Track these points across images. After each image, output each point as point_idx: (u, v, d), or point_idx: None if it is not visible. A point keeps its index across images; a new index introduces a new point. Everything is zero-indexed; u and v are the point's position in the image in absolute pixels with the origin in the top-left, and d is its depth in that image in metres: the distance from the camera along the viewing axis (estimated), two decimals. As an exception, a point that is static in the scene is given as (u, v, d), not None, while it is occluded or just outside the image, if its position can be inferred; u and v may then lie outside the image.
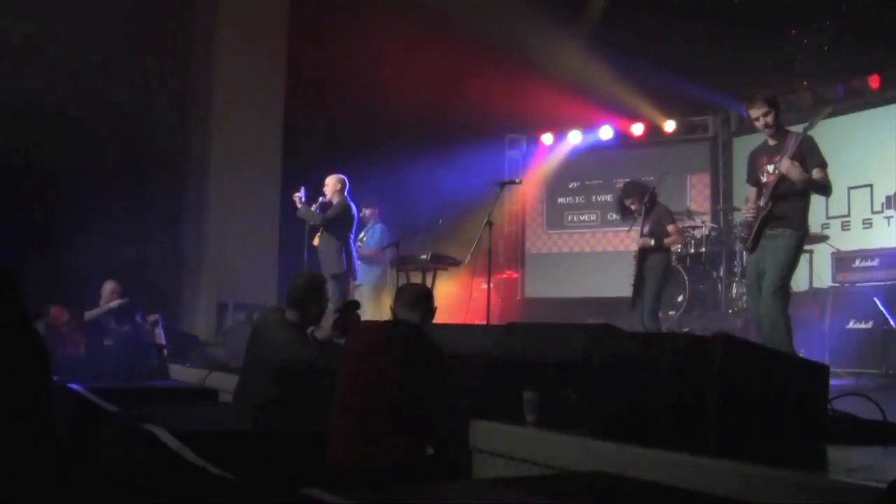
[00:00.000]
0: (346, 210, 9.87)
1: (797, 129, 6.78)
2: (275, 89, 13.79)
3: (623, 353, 4.18)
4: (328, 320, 6.17)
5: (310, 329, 5.88)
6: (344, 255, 9.79)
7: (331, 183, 10.01)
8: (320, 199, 9.94)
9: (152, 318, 9.54)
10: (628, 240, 9.08)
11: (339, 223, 9.84)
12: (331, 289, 9.66)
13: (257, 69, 13.55)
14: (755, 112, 6.73)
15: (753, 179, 6.91)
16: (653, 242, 8.60)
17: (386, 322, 4.96)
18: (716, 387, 3.52)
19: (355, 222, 10.06)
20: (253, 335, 5.91)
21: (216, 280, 12.85)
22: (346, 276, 9.80)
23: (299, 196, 9.92)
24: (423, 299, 5.06)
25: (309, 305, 5.76)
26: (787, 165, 6.48)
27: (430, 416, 4.50)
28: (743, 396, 3.57)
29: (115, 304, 9.88)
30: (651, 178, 9.39)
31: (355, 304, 6.12)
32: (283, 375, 5.54)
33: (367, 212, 10.87)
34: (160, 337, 9.35)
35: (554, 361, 4.62)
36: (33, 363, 2.27)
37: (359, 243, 10.57)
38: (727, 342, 3.64)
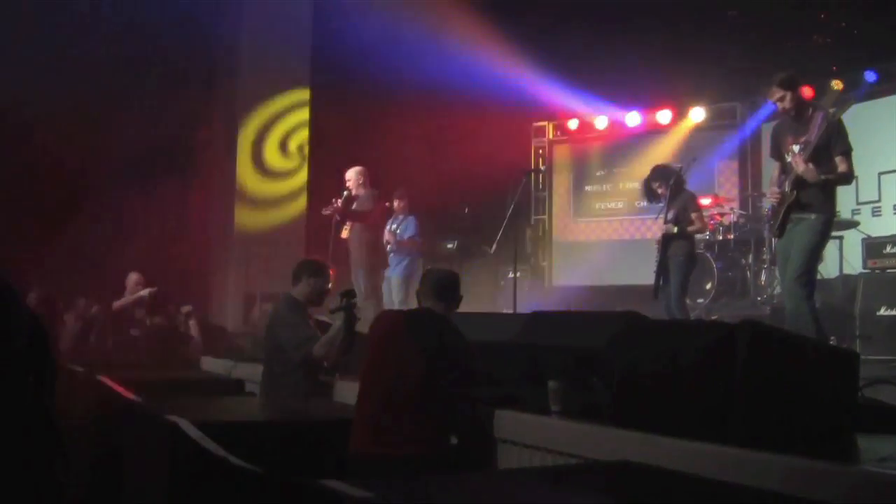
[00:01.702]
0: (375, 201, 9.85)
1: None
2: (300, 82, 13.77)
3: (649, 342, 4.12)
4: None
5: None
6: (375, 247, 9.80)
7: (353, 176, 9.97)
8: (344, 192, 9.90)
9: (185, 308, 9.54)
10: (656, 227, 8.99)
11: (369, 214, 9.85)
12: (362, 280, 9.70)
13: (282, 57, 13.53)
14: (772, 97, 6.65)
15: (777, 155, 6.82)
16: (675, 229, 8.52)
17: (409, 311, 4.92)
18: (742, 375, 3.46)
19: (382, 212, 10.05)
20: (268, 325, 6.42)
21: (244, 271, 12.86)
22: (377, 267, 9.77)
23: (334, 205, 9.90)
24: (448, 286, 4.97)
25: (303, 279, 6.31)
26: (802, 168, 6.38)
27: (454, 405, 4.46)
28: (770, 385, 3.50)
29: (144, 292, 9.90)
30: (679, 165, 9.28)
31: (351, 294, 6.16)
32: (301, 361, 5.97)
33: (397, 203, 10.82)
34: (194, 328, 9.35)
35: (579, 350, 4.58)
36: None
37: (391, 234, 10.56)
38: (754, 330, 3.57)
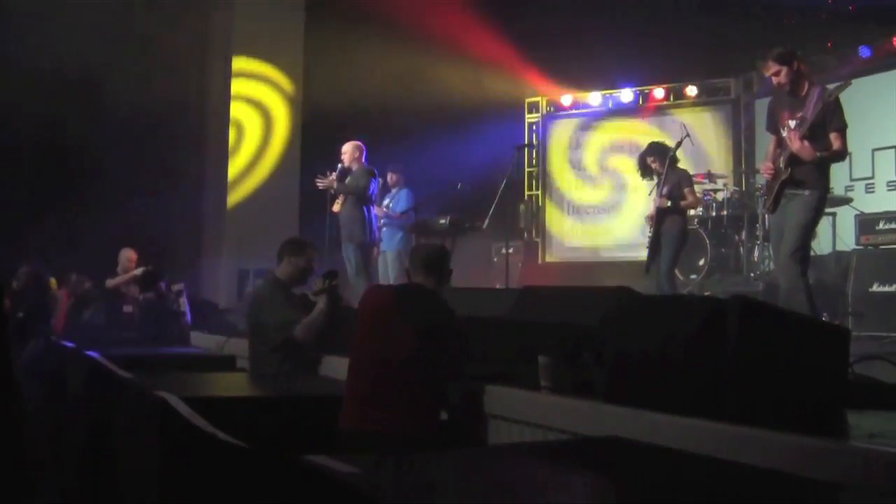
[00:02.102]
0: (369, 176, 9.83)
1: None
2: (294, 58, 13.71)
3: (640, 317, 4.11)
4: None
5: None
6: (366, 222, 9.76)
7: (349, 150, 9.95)
8: (339, 165, 9.89)
9: (177, 286, 9.51)
10: (650, 203, 9.00)
11: (367, 191, 9.83)
12: (353, 254, 9.69)
13: (276, 39, 13.47)
14: (768, 72, 6.63)
15: (773, 129, 6.79)
16: (669, 203, 8.53)
17: (398, 286, 4.91)
18: (733, 351, 3.44)
19: (375, 188, 10.02)
20: (250, 304, 6.52)
21: (237, 247, 12.84)
22: (369, 242, 9.76)
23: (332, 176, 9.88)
24: (438, 261, 4.92)
25: (285, 258, 6.35)
26: (798, 146, 6.36)
27: (444, 381, 4.45)
28: (761, 361, 3.49)
29: (138, 271, 9.87)
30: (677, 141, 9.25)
31: (333, 274, 6.18)
32: (282, 343, 5.99)
33: (392, 177, 10.80)
34: (184, 306, 9.33)
35: (570, 325, 4.56)
36: None
37: (384, 209, 10.54)
38: (744, 306, 3.56)
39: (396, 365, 4.31)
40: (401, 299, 4.60)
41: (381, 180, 10.24)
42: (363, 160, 9.95)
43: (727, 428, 3.24)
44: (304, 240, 6.76)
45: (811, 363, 3.63)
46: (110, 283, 9.98)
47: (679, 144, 8.99)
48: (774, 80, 6.58)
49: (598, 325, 4.21)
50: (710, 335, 3.53)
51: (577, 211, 15.08)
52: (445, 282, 4.98)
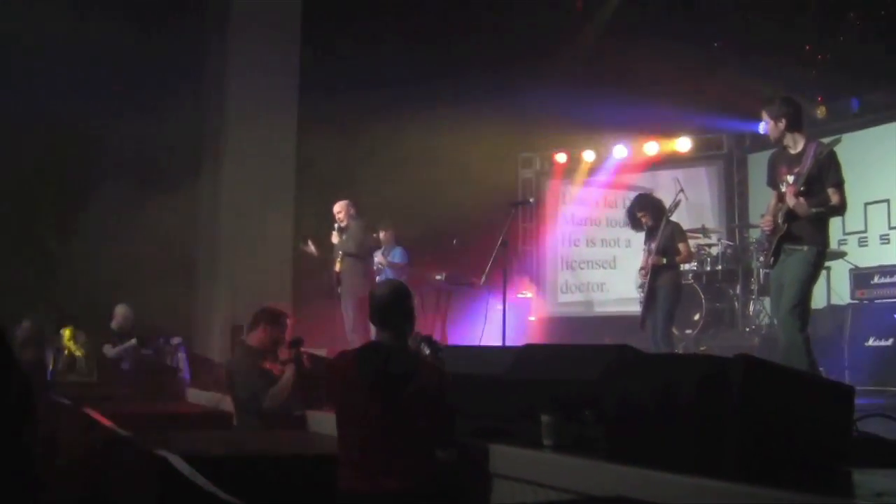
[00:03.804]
0: (366, 231, 9.90)
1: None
2: (288, 113, 13.77)
3: (641, 374, 4.11)
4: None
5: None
6: (366, 276, 9.83)
7: (342, 208, 10.04)
8: (336, 225, 9.95)
9: (175, 340, 9.50)
10: (642, 255, 9.02)
11: (365, 246, 9.90)
12: (352, 310, 9.72)
13: (270, 94, 13.52)
14: (764, 124, 6.70)
15: (773, 184, 6.82)
16: (664, 260, 8.54)
17: (358, 349, 4.74)
18: (737, 409, 3.45)
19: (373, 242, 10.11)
20: (228, 371, 6.69)
21: (230, 303, 12.80)
22: (366, 298, 9.78)
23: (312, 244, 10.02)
24: (391, 309, 4.54)
25: (260, 326, 6.49)
26: (793, 203, 6.41)
27: (430, 435, 4.38)
28: (765, 419, 3.49)
29: (130, 343, 9.81)
30: (669, 197, 9.28)
31: (299, 342, 6.29)
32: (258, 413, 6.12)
33: (383, 234, 10.86)
34: (182, 361, 9.30)
35: (571, 383, 4.56)
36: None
37: (381, 258, 10.60)
38: (748, 364, 3.57)
39: (375, 429, 4.24)
40: (359, 364, 4.42)
41: (376, 235, 10.31)
42: (357, 214, 10.02)
43: (731, 486, 3.24)
44: (281, 310, 6.87)
45: (815, 421, 3.63)
46: (110, 352, 9.94)
47: (676, 205, 8.98)
48: (771, 133, 6.65)
49: (600, 383, 4.21)
50: (713, 393, 3.53)
51: (570, 266, 15.12)
52: (408, 327, 4.60)
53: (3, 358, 2.19)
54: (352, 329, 9.76)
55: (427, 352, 5.64)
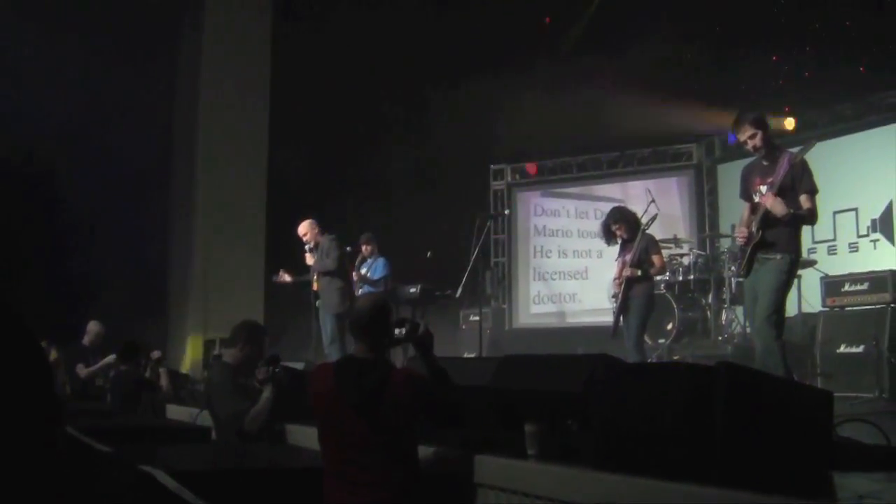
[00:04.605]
0: (337, 246, 9.90)
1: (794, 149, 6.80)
2: (259, 125, 13.78)
3: (625, 384, 4.14)
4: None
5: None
6: (343, 291, 9.82)
7: (307, 228, 10.06)
8: (306, 246, 9.96)
9: (155, 354, 9.39)
10: (615, 267, 9.08)
11: (340, 262, 9.90)
12: (329, 324, 9.72)
13: (242, 108, 13.55)
14: (742, 135, 6.76)
15: (746, 196, 6.90)
16: (640, 272, 8.59)
17: (336, 362, 4.76)
18: (721, 416, 3.49)
19: (345, 256, 10.10)
20: (205, 389, 6.68)
21: (202, 317, 12.78)
22: (345, 311, 9.78)
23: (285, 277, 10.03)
24: (368, 322, 4.49)
25: (239, 343, 6.35)
26: (771, 202, 6.49)
27: (414, 450, 4.40)
28: (748, 425, 3.54)
29: (110, 359, 9.71)
30: (641, 209, 9.34)
31: (275, 360, 6.19)
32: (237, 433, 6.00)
33: (366, 248, 10.88)
34: (164, 376, 9.21)
35: (554, 393, 4.59)
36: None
37: (358, 275, 10.62)
38: (731, 371, 3.61)
39: (356, 442, 4.25)
40: (338, 377, 4.40)
41: (349, 248, 10.32)
42: (323, 231, 10.04)
43: (717, 492, 3.27)
44: (260, 327, 6.77)
45: (797, 426, 3.69)
46: (83, 372, 9.85)
47: (653, 219, 9.01)
48: (749, 143, 6.71)
49: (583, 392, 4.24)
50: (698, 401, 3.57)
51: (542, 277, 15.19)
52: (384, 341, 4.56)
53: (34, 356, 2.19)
54: (329, 342, 9.77)
55: (265, 374, 5.96)
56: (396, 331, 5.20)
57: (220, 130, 13.44)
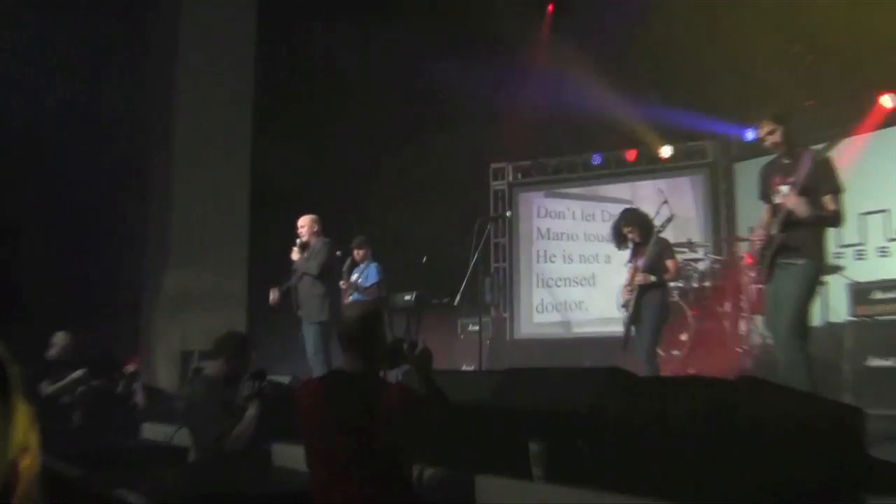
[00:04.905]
0: (328, 250, 9.87)
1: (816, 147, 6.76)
2: (242, 113, 13.74)
3: (638, 400, 4.13)
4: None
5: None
6: (325, 298, 9.76)
7: (307, 223, 10.02)
8: (298, 240, 9.92)
9: (130, 367, 9.30)
10: (625, 273, 9.01)
11: (327, 266, 9.85)
12: (311, 334, 9.67)
13: (222, 106, 13.51)
14: (762, 131, 6.72)
15: (766, 196, 6.87)
16: (654, 278, 8.55)
17: (324, 377, 4.74)
18: (742, 434, 3.47)
19: (335, 261, 10.06)
20: (185, 406, 6.52)
21: (179, 326, 12.72)
22: (328, 321, 9.73)
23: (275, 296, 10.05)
24: (357, 333, 4.43)
25: (223, 356, 6.25)
26: (793, 202, 6.45)
27: (408, 469, 4.37)
28: (772, 444, 3.51)
29: (78, 374, 9.60)
30: (653, 210, 9.28)
31: (261, 375, 6.14)
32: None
33: (359, 252, 10.85)
34: (138, 392, 9.14)
35: (561, 409, 4.56)
36: None
37: (347, 284, 10.59)
38: (753, 386, 3.60)
39: (340, 462, 4.21)
40: (325, 394, 4.38)
41: (339, 253, 10.29)
42: (320, 233, 10.01)
43: (740, 517, 3.26)
44: (246, 339, 6.71)
45: (825, 446, 3.66)
46: (47, 389, 9.72)
47: (668, 221, 8.95)
48: (769, 139, 6.68)
49: (592, 409, 4.22)
50: (718, 418, 3.55)
51: (546, 283, 15.16)
52: (375, 354, 4.49)
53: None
54: (313, 353, 9.73)
55: (250, 390, 5.92)
56: (253, 384, 5.29)
57: (198, 126, 13.37)
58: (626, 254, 9.06)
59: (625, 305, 8.81)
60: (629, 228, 8.84)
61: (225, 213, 13.29)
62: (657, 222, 8.90)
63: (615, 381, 4.67)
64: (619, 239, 8.99)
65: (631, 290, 8.67)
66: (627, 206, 9.92)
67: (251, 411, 5.96)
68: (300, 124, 13.23)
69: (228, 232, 13.22)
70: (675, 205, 10.12)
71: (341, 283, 10.57)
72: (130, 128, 13.22)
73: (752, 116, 6.89)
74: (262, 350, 9.61)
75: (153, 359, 12.88)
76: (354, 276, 10.74)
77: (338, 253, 10.28)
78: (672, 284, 9.83)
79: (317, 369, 9.62)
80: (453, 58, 12.97)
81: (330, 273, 9.90)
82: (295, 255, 9.95)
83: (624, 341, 8.71)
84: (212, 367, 6.38)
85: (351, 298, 10.42)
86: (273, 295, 10.12)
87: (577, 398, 4.46)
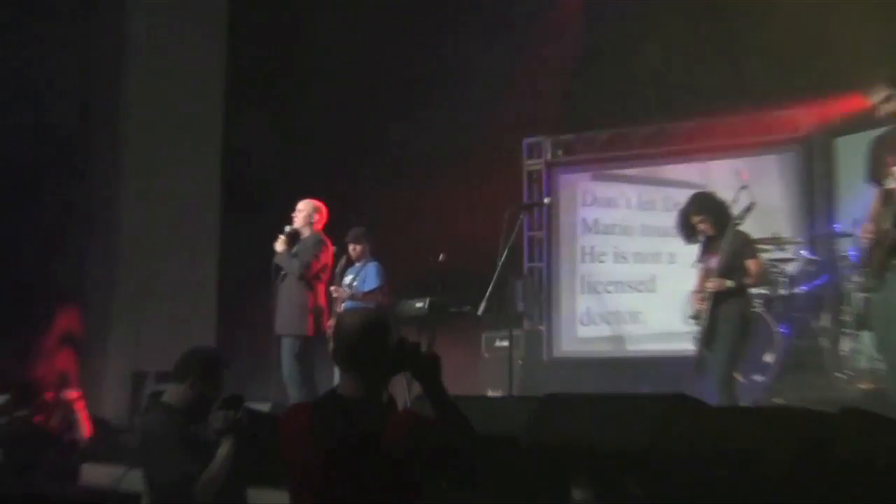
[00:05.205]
0: (320, 249, 9.89)
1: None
2: (212, 85, 13.81)
3: (709, 435, 4.14)
4: None
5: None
6: (306, 308, 9.79)
7: (304, 209, 10.09)
8: (287, 228, 9.95)
9: (69, 394, 9.33)
10: (694, 275, 8.96)
11: (314, 267, 9.89)
12: (288, 351, 9.70)
13: (186, 61, 13.57)
14: (875, 97, 6.69)
15: (876, 178, 6.82)
16: (730, 283, 8.52)
17: (316, 401, 4.74)
18: (846, 480, 3.48)
19: (329, 267, 10.10)
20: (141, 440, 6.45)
21: (131, 341, 12.76)
22: (308, 335, 9.75)
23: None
24: (358, 346, 4.42)
25: (188, 380, 6.16)
26: None
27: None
28: (883, 490, 3.52)
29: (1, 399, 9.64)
30: (727, 196, 9.23)
31: (235, 402, 6.01)
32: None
33: (355, 248, 10.89)
34: (78, 424, 9.17)
35: (611, 446, 4.59)
36: None
37: (348, 289, 10.65)
38: (857, 419, 3.61)
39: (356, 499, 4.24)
40: (316, 424, 4.38)
41: (336, 249, 10.32)
42: (320, 226, 10.04)
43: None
44: (218, 357, 6.58)
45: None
46: None
47: (748, 209, 8.90)
48: (883, 108, 6.64)
49: (650, 446, 4.24)
50: (814, 458, 3.57)
51: (593, 288, 15.12)
52: (379, 374, 4.47)
53: None
54: (287, 375, 9.78)
55: (223, 422, 5.82)
56: (226, 415, 5.27)
57: (154, 92, 13.42)
58: (693, 251, 9.04)
59: (695, 317, 8.79)
60: (700, 217, 8.81)
61: (189, 196, 13.32)
62: (736, 211, 8.86)
63: (680, 411, 4.68)
64: (688, 231, 8.97)
65: (702, 299, 8.65)
66: (698, 190, 9.87)
67: (223, 449, 5.90)
68: (282, 90, 13.27)
69: (194, 220, 13.26)
70: (757, 190, 10.12)
71: (332, 288, 10.60)
72: (70, 93, 13.26)
73: (861, 78, 6.76)
74: (238, 369, 9.64)
75: (97, 381, 12.93)
76: (349, 279, 10.77)
77: (351, 249, 10.36)
78: (754, 291, 9.81)
79: (292, 396, 9.65)
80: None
81: (318, 277, 9.93)
82: (279, 245, 9.97)
83: (697, 363, 8.69)
84: (173, 393, 6.32)
85: (344, 307, 10.44)
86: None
87: (632, 432, 4.50)
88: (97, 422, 10.44)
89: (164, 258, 12.99)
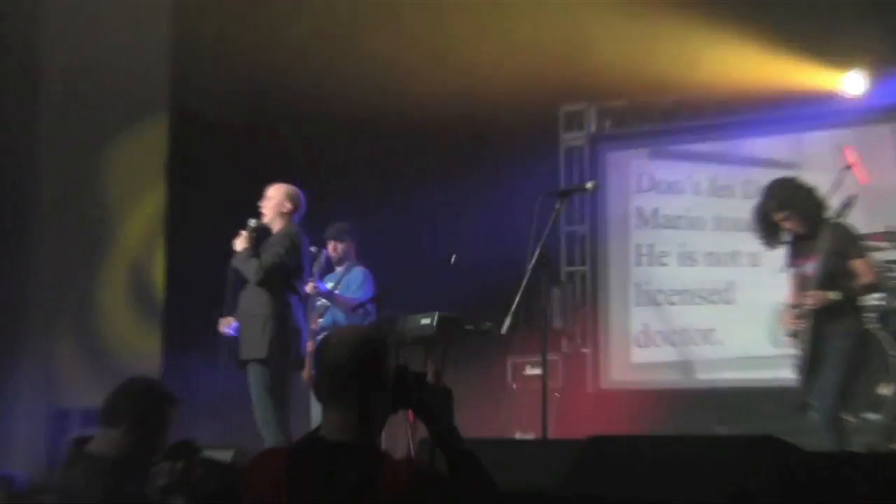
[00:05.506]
0: (292, 247, 9.87)
1: None
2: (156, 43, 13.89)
3: (806, 485, 4.10)
4: None
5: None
6: (276, 328, 9.77)
7: (276, 196, 10.12)
8: (251, 221, 9.93)
9: None
10: (785, 284, 8.91)
11: (280, 270, 9.86)
12: (254, 380, 9.71)
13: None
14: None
15: None
16: (836, 295, 8.43)
17: (291, 447, 4.72)
18: None
19: (305, 270, 10.09)
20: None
21: (46, 371, 12.79)
22: (279, 362, 9.74)
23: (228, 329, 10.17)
24: (353, 373, 4.40)
25: (123, 424, 5.94)
26: None
27: None
28: None
29: None
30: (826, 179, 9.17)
31: (188, 452, 5.95)
32: None
33: (336, 247, 10.92)
34: None
35: (679, 501, 4.54)
36: None
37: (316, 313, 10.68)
38: None
39: None
40: (292, 474, 4.35)
41: (314, 251, 10.33)
42: (294, 218, 10.03)
43: None
44: (161, 392, 6.30)
45: None
46: None
47: (848, 205, 8.82)
48: None
49: (732, 500, 4.22)
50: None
51: (652, 299, 15.12)
52: (373, 411, 4.46)
53: None
54: (260, 414, 9.81)
55: (169, 478, 5.74)
56: (172, 467, 5.28)
57: (81, 54, 13.51)
58: (781, 251, 8.99)
59: (793, 335, 8.73)
60: (783, 213, 8.76)
61: (129, 176, 13.37)
62: (833, 203, 8.78)
63: (770, 457, 4.64)
64: (769, 231, 8.96)
65: (799, 315, 8.58)
66: (782, 176, 9.76)
67: None
68: (248, 40, 13.31)
69: (135, 206, 13.31)
70: (865, 171, 10.05)
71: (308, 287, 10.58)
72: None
73: None
74: (190, 407, 9.62)
75: (4, 424, 12.95)
76: (329, 286, 10.76)
77: (313, 251, 10.35)
78: (866, 302, 9.74)
79: (269, 438, 9.64)
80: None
81: (283, 279, 9.90)
82: (239, 243, 9.95)
83: (804, 397, 8.62)
84: (103, 440, 6.23)
85: (321, 322, 10.43)
86: (224, 324, 10.14)
87: (704, 486, 4.45)
88: (3, 479, 10.45)
89: (94, 264, 13.01)
